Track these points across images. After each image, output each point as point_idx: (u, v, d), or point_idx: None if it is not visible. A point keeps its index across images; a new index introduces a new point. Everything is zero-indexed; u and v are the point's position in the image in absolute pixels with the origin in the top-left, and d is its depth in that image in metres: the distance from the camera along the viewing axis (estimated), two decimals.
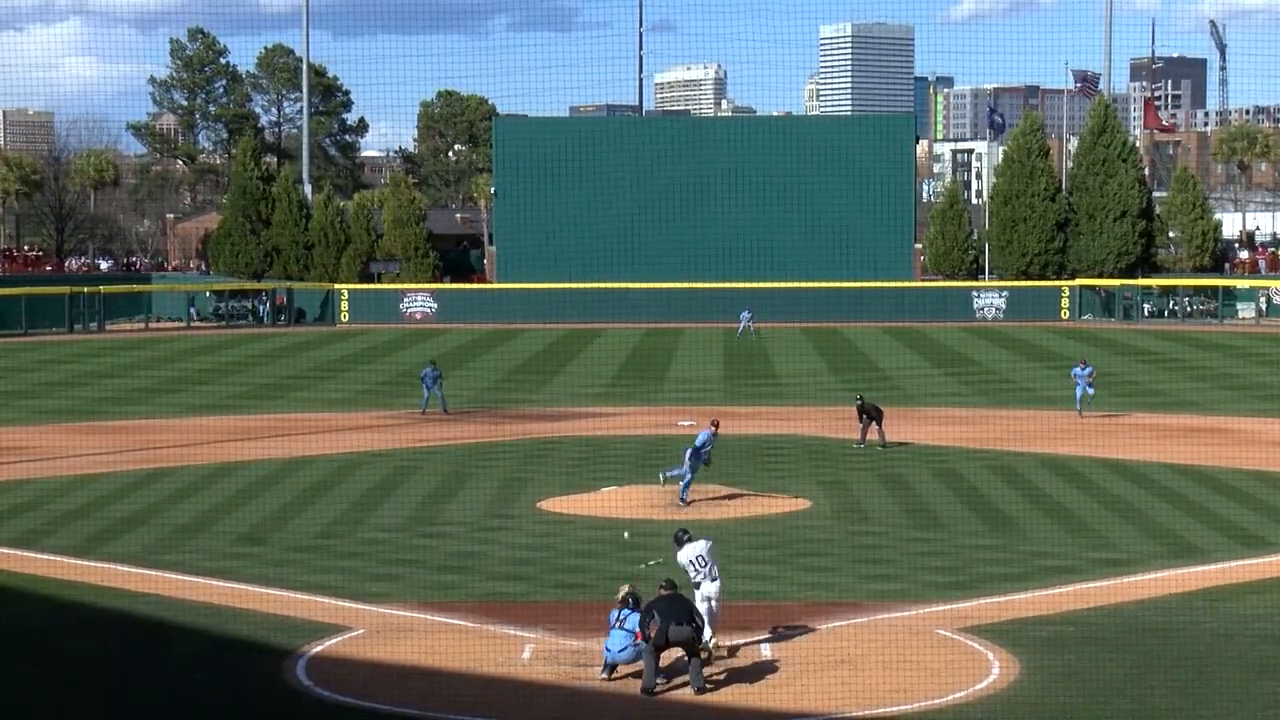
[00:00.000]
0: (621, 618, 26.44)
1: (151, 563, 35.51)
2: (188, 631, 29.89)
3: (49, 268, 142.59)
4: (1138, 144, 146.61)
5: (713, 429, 43.52)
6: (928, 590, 32.72)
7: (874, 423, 53.25)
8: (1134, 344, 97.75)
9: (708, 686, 26.09)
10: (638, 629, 26.19)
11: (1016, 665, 27.11)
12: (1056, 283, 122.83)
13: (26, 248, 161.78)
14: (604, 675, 26.45)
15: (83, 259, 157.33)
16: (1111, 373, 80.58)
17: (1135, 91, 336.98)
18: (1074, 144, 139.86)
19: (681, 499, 42.38)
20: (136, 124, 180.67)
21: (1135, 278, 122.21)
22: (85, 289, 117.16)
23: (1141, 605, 31.51)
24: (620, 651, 26.28)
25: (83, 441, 56.52)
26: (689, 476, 42.55)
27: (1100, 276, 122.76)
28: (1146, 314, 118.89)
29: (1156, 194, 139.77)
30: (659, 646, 26.20)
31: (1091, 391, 61.83)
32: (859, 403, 54.03)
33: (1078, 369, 62.67)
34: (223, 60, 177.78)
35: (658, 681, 26.05)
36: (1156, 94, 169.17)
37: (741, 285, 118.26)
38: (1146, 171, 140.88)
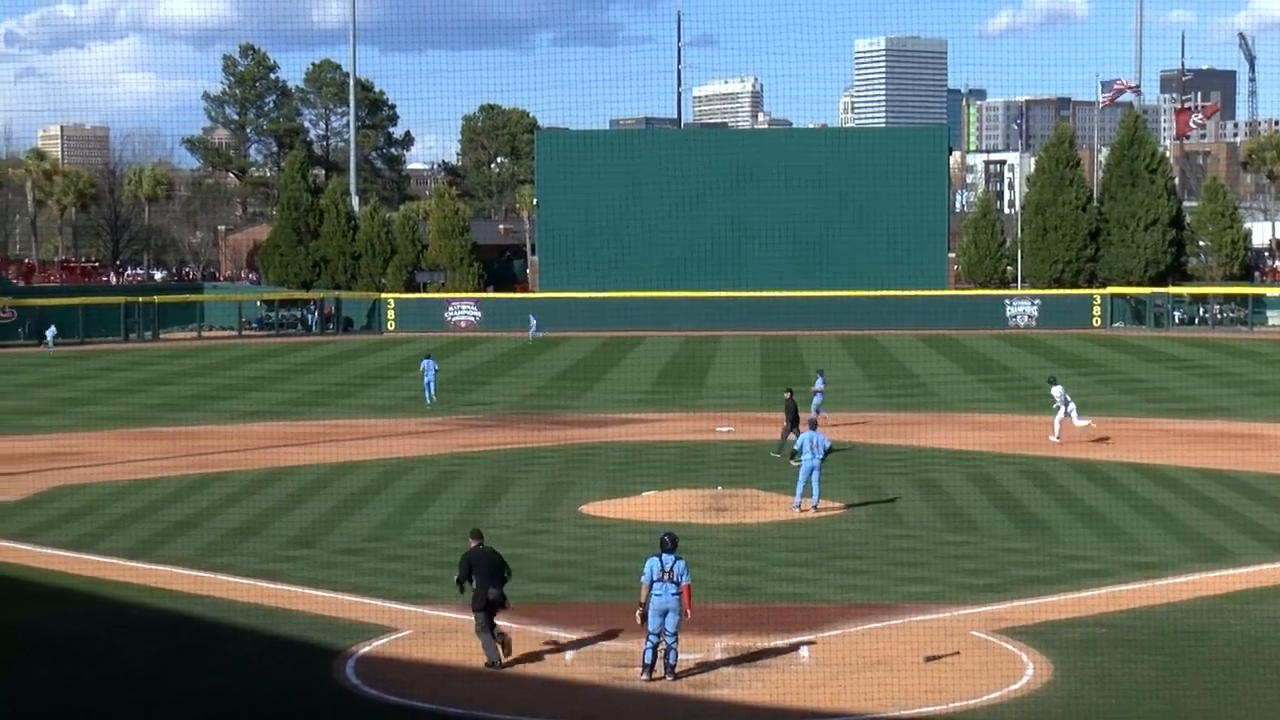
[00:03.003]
0: (667, 568, 26.53)
1: (204, 565, 35.92)
2: (240, 632, 30.14)
3: (106, 278, 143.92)
4: (1168, 155, 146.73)
5: (813, 429, 43.20)
6: (962, 592, 32.83)
7: (793, 426, 52.72)
8: (1165, 351, 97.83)
9: (500, 663, 27.29)
10: (682, 580, 26.45)
11: (1050, 666, 27.20)
12: (1088, 291, 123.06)
13: (83, 259, 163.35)
14: (644, 677, 26.54)
15: (137, 270, 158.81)
16: (1142, 379, 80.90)
17: (1165, 103, 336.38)
18: (1105, 154, 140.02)
19: (810, 504, 42.31)
20: (190, 138, 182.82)
21: (1166, 286, 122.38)
22: (140, 299, 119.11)
23: (1173, 608, 31.52)
24: (673, 596, 26.38)
25: (137, 447, 56.97)
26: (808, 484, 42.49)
27: (1131, 285, 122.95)
28: (1177, 321, 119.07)
29: (1186, 204, 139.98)
30: (482, 609, 27.30)
31: (819, 399, 60.23)
32: (789, 397, 53.67)
33: (820, 380, 61.21)
34: (273, 76, 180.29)
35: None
36: (1187, 104, 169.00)
37: (779, 294, 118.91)
38: (1176, 181, 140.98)
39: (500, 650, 27.56)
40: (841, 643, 28.94)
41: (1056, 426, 56.62)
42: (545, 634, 29.58)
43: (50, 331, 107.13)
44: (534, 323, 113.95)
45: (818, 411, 58.53)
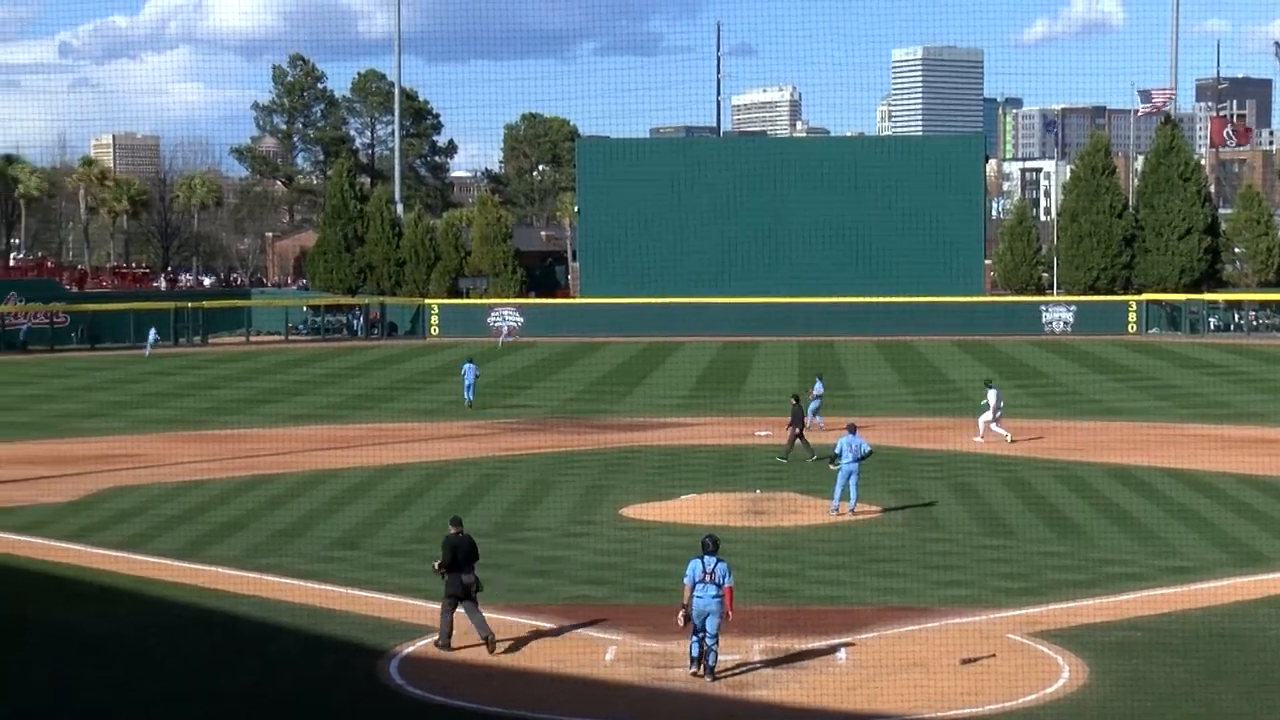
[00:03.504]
0: (709, 569, 26.69)
1: (251, 565, 36.19)
2: (286, 631, 30.36)
3: (156, 284, 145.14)
4: (1203, 162, 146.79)
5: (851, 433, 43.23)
6: (998, 596, 32.92)
7: (798, 429, 53.04)
8: (1200, 357, 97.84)
9: (494, 639, 28.23)
10: (724, 582, 26.64)
11: (1085, 669, 27.25)
12: (1124, 297, 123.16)
13: (134, 265, 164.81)
14: (692, 670, 26.73)
15: (187, 275, 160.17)
16: (1177, 385, 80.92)
17: (1201, 111, 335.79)
18: (1140, 162, 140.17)
19: (848, 507, 42.56)
20: (239, 147, 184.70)
21: (1201, 292, 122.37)
22: (189, 304, 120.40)
23: (1208, 612, 31.49)
24: (714, 598, 26.55)
25: (186, 450, 57.50)
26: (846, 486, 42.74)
27: (1167, 291, 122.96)
28: (1212, 328, 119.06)
29: (1221, 211, 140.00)
30: (455, 597, 28.24)
31: (816, 404, 60.80)
32: (794, 403, 53.96)
33: (818, 385, 62.13)
34: (320, 85, 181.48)
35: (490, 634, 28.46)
36: (1222, 112, 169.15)
37: (816, 300, 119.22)
38: (1211, 189, 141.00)
39: (449, 637, 28.58)
40: (878, 645, 29.07)
41: (980, 427, 58.46)
42: (585, 634, 29.75)
43: (151, 334, 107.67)
44: (504, 328, 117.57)
45: (814, 416, 59.07)
